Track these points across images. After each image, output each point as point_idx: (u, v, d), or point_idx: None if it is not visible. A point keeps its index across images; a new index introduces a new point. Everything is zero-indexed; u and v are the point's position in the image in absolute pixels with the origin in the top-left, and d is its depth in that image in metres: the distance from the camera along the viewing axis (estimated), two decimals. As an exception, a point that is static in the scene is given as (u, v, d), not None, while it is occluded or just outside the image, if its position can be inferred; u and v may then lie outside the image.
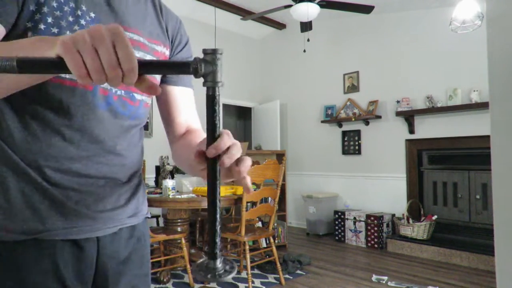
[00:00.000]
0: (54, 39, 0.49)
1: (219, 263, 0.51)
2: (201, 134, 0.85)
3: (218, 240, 0.51)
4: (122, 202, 0.80)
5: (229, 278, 0.52)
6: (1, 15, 0.61)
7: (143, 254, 0.86)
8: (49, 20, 0.65)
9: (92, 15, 0.70)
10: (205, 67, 0.47)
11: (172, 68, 0.50)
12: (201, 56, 0.49)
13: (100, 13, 0.71)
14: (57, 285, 0.70)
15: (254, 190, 3.14)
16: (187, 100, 0.89)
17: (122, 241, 0.80)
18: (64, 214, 0.70)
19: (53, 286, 0.70)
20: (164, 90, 0.87)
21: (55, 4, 0.66)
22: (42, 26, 0.64)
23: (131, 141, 0.81)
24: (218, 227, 0.51)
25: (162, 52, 0.83)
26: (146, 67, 0.47)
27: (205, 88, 0.49)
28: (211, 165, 0.52)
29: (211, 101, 0.49)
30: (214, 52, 0.48)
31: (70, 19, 0.67)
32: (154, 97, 0.85)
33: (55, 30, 0.65)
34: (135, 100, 0.78)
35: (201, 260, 0.53)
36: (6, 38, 0.63)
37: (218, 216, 0.51)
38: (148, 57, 0.79)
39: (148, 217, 0.91)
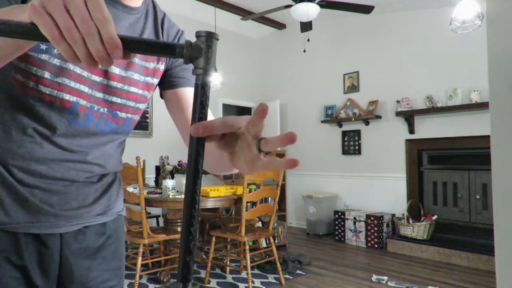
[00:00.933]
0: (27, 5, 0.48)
1: None
2: None
3: (190, 259, 0.41)
4: (90, 201, 0.81)
5: None
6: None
7: (114, 249, 0.87)
8: None
9: None
10: (193, 52, 0.42)
11: (156, 49, 0.44)
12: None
13: None
14: (20, 275, 0.73)
15: (254, 190, 3.14)
16: None
17: (89, 238, 0.82)
18: (27, 209, 0.72)
19: (16, 276, 0.73)
20: (175, 94, 0.86)
21: None
22: None
23: (106, 151, 0.81)
24: (192, 243, 0.42)
25: (155, 68, 0.83)
26: (129, 44, 0.42)
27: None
28: (194, 156, 0.43)
29: (199, 92, 0.43)
30: (208, 36, 0.42)
31: None
32: (152, 101, 0.85)
33: (43, 46, 0.67)
34: (118, 118, 0.79)
35: (169, 284, 0.43)
36: None
37: (195, 219, 0.42)
38: (135, 76, 0.79)
39: (122, 215, 0.92)
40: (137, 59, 0.79)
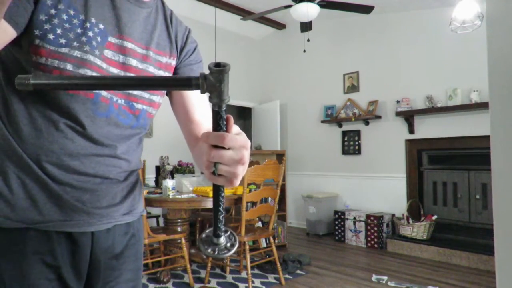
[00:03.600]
0: None
1: (222, 240, 0.57)
2: None
3: (221, 217, 0.56)
4: (118, 200, 0.82)
5: (227, 255, 0.57)
6: (11, 17, 0.63)
7: (137, 249, 0.89)
8: (58, 31, 0.68)
9: (101, 26, 0.73)
10: (208, 85, 0.47)
11: (175, 84, 0.50)
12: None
13: (108, 26, 0.75)
14: (54, 276, 0.73)
15: (254, 190, 3.14)
16: (202, 100, 0.91)
17: (117, 237, 0.84)
18: (60, 207, 0.73)
19: (49, 277, 0.73)
20: (180, 94, 0.89)
21: (65, 17, 0.69)
22: (51, 36, 0.67)
23: (131, 146, 0.84)
24: (221, 207, 0.55)
25: (167, 63, 0.86)
26: (149, 82, 0.49)
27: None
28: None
29: (216, 117, 0.50)
30: (219, 71, 0.46)
31: (78, 31, 0.70)
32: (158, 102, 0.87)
33: (62, 41, 0.69)
34: (135, 109, 0.80)
35: (207, 231, 0.59)
36: (18, 44, 0.67)
37: (221, 196, 0.55)
38: (150, 68, 0.82)
39: (144, 215, 0.94)
40: (152, 52, 0.81)
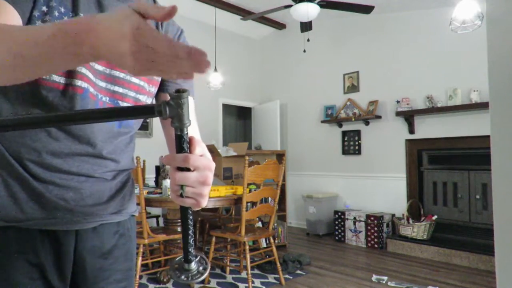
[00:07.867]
0: (76, 34, 0.46)
1: (193, 265, 0.59)
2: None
3: (192, 241, 0.58)
4: (105, 199, 0.81)
5: (201, 280, 0.58)
6: (16, 3, 0.63)
7: (127, 249, 0.88)
8: None
9: None
10: (170, 111, 0.49)
11: (138, 113, 0.52)
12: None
13: None
14: (38, 275, 0.73)
15: (254, 190, 3.14)
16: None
17: (103, 236, 0.82)
18: (42, 205, 0.72)
19: (33, 276, 0.72)
20: (165, 98, 0.87)
21: (56, 14, 0.69)
22: None
23: (118, 146, 0.82)
24: (191, 230, 0.58)
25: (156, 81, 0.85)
26: (110, 113, 0.50)
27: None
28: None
29: (179, 140, 0.53)
30: (178, 97, 0.48)
31: None
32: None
33: None
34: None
35: (177, 259, 0.59)
36: None
37: (190, 219, 0.57)
38: (141, 83, 0.81)
39: (134, 215, 0.92)
40: None
